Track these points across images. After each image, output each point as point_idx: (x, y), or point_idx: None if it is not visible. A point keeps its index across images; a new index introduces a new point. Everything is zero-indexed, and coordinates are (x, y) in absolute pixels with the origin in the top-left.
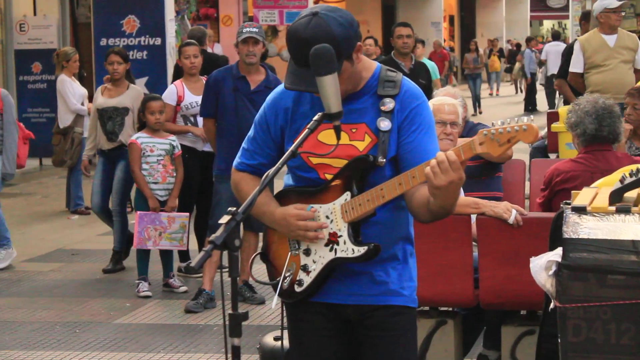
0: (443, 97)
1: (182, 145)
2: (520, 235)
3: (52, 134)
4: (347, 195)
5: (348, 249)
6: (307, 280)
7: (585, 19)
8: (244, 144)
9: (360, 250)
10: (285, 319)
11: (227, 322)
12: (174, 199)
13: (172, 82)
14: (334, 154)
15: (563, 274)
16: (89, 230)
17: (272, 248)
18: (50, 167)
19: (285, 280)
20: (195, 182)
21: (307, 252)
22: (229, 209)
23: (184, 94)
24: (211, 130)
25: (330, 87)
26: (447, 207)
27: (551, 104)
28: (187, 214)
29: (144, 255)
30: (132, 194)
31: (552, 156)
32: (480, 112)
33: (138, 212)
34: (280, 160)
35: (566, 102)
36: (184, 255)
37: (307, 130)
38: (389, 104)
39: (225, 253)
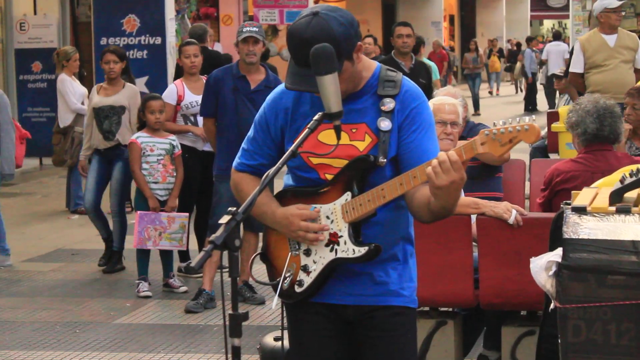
0: (443, 97)
1: (182, 145)
2: (520, 236)
3: (52, 134)
4: (347, 195)
5: (349, 250)
6: (307, 280)
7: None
8: (243, 145)
9: (361, 250)
10: (285, 320)
11: (227, 323)
12: (174, 198)
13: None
14: (334, 154)
15: (563, 274)
16: (89, 230)
17: (272, 248)
18: (50, 167)
19: (286, 281)
20: (195, 182)
21: (308, 253)
22: (229, 208)
23: (184, 93)
24: (211, 129)
25: (331, 87)
26: (448, 207)
27: (551, 104)
28: (187, 214)
29: (144, 255)
30: (132, 193)
31: (553, 156)
32: (479, 114)
33: (138, 212)
34: (281, 160)
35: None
36: (184, 255)
37: (307, 130)
38: (389, 104)
39: (225, 253)
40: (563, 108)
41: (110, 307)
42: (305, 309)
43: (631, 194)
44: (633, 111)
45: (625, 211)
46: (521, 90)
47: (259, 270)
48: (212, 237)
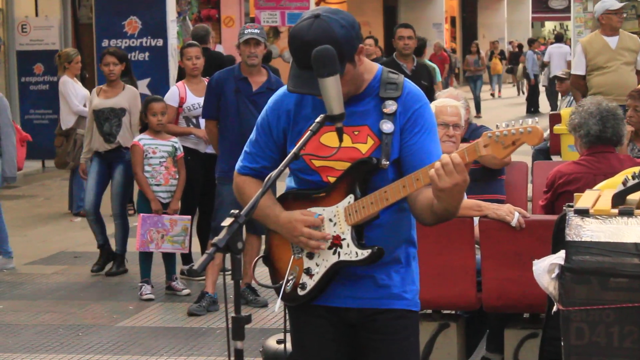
0: (446, 99)
1: (184, 147)
2: (522, 238)
3: (54, 136)
4: (350, 198)
5: (351, 252)
6: (310, 283)
7: None
8: (246, 147)
9: (364, 253)
10: (287, 322)
11: (229, 325)
12: (177, 201)
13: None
14: (337, 156)
15: (566, 276)
16: (92, 232)
17: (275, 251)
18: (52, 169)
19: (288, 284)
20: (197, 184)
21: (311, 256)
22: (232, 211)
23: (186, 95)
24: (213, 132)
25: (332, 89)
26: (451, 209)
27: (553, 106)
28: (189, 216)
29: (146, 258)
30: (135, 196)
31: (555, 158)
32: (480, 117)
33: (141, 214)
34: (283, 162)
35: None
36: (187, 258)
37: (309, 132)
38: (391, 106)
39: (227, 256)
40: (565, 110)
41: (113, 309)
42: (307, 311)
43: (634, 196)
44: (635, 113)
45: (628, 213)
46: (523, 93)
47: (262, 273)
48: (215, 239)
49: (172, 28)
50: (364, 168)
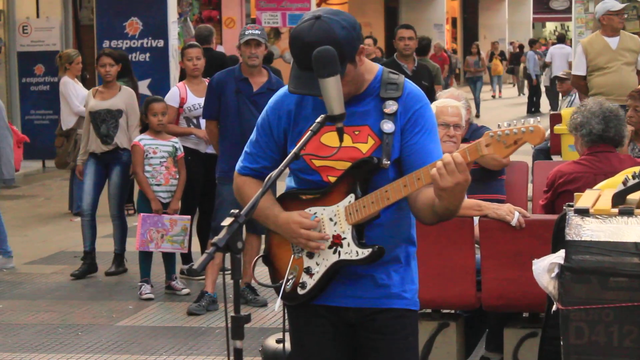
0: (446, 99)
1: (184, 148)
2: (522, 238)
3: (54, 136)
4: (351, 197)
5: (352, 252)
6: (310, 282)
7: None
8: (246, 148)
9: (365, 252)
10: (287, 322)
11: (229, 325)
12: (177, 201)
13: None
14: (337, 156)
15: (565, 276)
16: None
17: (275, 251)
18: (53, 169)
19: (288, 283)
20: (198, 184)
21: (311, 255)
22: (232, 211)
23: (187, 95)
24: (214, 132)
25: (333, 89)
26: (452, 208)
27: (554, 106)
28: (189, 216)
29: (146, 257)
30: (135, 195)
31: (555, 158)
32: (477, 116)
33: (141, 214)
34: (283, 162)
35: None
36: (187, 257)
37: (309, 132)
38: (391, 106)
39: (227, 255)
40: (566, 110)
41: (113, 309)
42: (307, 311)
43: (634, 196)
44: (635, 113)
45: (628, 213)
46: (523, 94)
47: (262, 273)
48: (215, 239)
49: (173, 29)
50: (366, 168)
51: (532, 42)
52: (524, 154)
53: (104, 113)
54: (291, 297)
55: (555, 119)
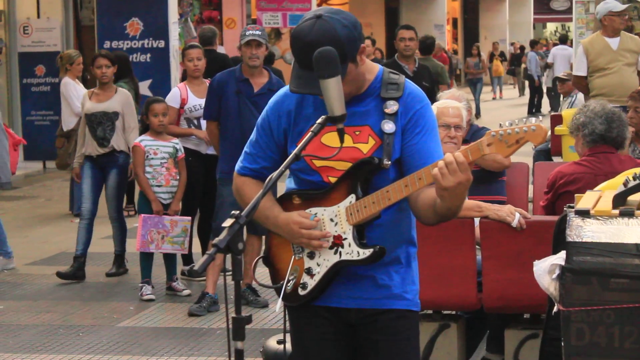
0: (447, 100)
1: (185, 148)
2: (523, 239)
3: (55, 137)
4: (351, 197)
5: (353, 252)
6: (311, 283)
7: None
8: (246, 148)
9: (366, 252)
10: (288, 323)
11: (230, 326)
12: (178, 202)
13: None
14: (338, 156)
15: (566, 277)
16: (93, 233)
17: (275, 252)
18: (53, 170)
19: (289, 284)
20: (198, 185)
21: (311, 255)
22: (232, 212)
23: (188, 96)
24: (214, 133)
25: (334, 90)
26: (454, 208)
27: (554, 107)
28: (190, 217)
29: (147, 258)
30: (136, 196)
31: (556, 159)
32: (477, 117)
33: (141, 215)
34: (284, 163)
35: None
36: (187, 258)
37: (310, 133)
38: (392, 107)
39: (228, 256)
40: (567, 111)
41: (114, 310)
42: (308, 312)
43: (634, 197)
44: (635, 114)
45: (629, 214)
46: (524, 95)
47: (263, 274)
48: (216, 240)
49: (174, 30)
50: (366, 168)
51: (534, 43)
52: (524, 155)
53: (100, 115)
54: (292, 298)
55: (556, 120)
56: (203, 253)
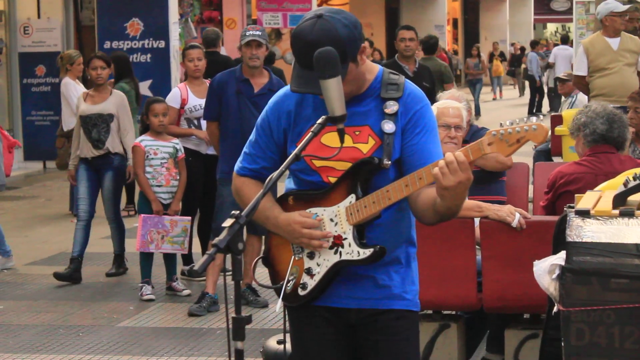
0: (447, 101)
1: (185, 149)
2: (523, 239)
3: (55, 137)
4: (351, 197)
5: (353, 252)
6: (311, 283)
7: None
8: (245, 148)
9: (366, 252)
10: (287, 323)
11: (230, 326)
12: (178, 202)
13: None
14: (338, 156)
15: (566, 277)
16: (93, 233)
17: (275, 252)
18: (53, 170)
19: (289, 284)
20: (198, 185)
21: (311, 256)
22: (232, 212)
23: (188, 96)
24: (215, 133)
25: (334, 91)
26: (454, 208)
27: (554, 107)
28: (189, 217)
29: (147, 258)
30: (136, 196)
31: (556, 159)
32: (478, 114)
33: (141, 215)
34: (284, 163)
35: None
36: (187, 258)
37: (310, 133)
38: (392, 107)
39: (228, 256)
40: (567, 111)
41: (114, 310)
42: (307, 312)
43: (635, 197)
44: (635, 115)
45: (629, 214)
46: (524, 95)
47: (262, 274)
48: (216, 240)
49: (174, 30)
50: (366, 168)
51: (534, 44)
52: (524, 156)
53: (95, 117)
54: (292, 298)
55: (556, 121)
56: (203, 253)
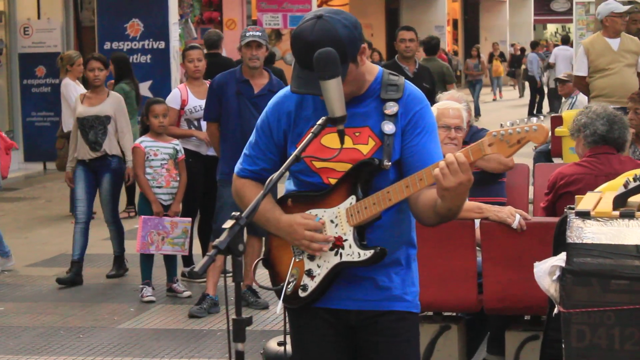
0: (447, 102)
1: (185, 150)
2: (524, 240)
3: (56, 138)
4: (352, 199)
5: (354, 253)
6: (311, 285)
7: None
8: (245, 150)
9: (367, 254)
10: (288, 325)
11: (230, 327)
12: (178, 203)
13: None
14: (338, 157)
15: (567, 279)
16: (92, 235)
17: (275, 253)
18: (54, 171)
19: (289, 286)
20: (199, 187)
21: (312, 257)
22: (233, 213)
23: (188, 97)
24: (215, 134)
25: (334, 91)
26: (455, 209)
27: (554, 107)
28: (190, 219)
29: (147, 260)
30: (136, 198)
31: (556, 160)
32: (478, 115)
33: (142, 216)
34: (284, 164)
35: None
36: (188, 260)
37: (310, 134)
38: (392, 108)
39: (229, 258)
40: (567, 112)
41: (114, 311)
42: (308, 313)
43: (635, 199)
44: (635, 115)
45: (629, 215)
46: (524, 96)
47: (263, 275)
48: (216, 241)
49: (174, 30)
50: (367, 169)
51: (535, 44)
52: (524, 157)
53: (92, 119)
54: (292, 300)
55: (556, 122)
56: (203, 254)
